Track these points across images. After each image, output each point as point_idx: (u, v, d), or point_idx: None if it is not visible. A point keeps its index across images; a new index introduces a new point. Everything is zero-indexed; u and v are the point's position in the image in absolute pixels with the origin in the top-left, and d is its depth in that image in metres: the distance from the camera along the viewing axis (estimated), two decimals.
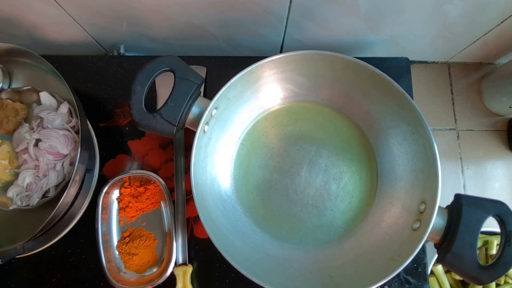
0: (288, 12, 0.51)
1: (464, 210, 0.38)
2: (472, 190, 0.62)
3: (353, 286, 0.40)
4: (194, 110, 0.42)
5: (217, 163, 0.48)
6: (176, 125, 0.41)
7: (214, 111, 0.43)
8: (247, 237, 0.46)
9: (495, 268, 0.37)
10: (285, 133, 0.50)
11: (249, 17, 0.53)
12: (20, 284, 0.50)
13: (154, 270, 0.49)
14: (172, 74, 0.42)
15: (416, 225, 0.41)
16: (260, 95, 0.49)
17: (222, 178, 0.48)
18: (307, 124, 0.50)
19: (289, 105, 0.51)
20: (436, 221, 0.39)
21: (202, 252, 0.51)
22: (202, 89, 0.55)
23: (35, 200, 0.45)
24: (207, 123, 0.43)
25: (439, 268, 0.54)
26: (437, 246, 0.40)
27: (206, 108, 0.41)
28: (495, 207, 0.38)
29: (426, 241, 0.39)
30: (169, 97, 0.41)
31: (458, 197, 0.40)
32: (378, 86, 0.44)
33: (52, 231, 0.50)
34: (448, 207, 0.41)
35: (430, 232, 0.38)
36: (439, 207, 0.39)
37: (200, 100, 0.43)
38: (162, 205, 0.51)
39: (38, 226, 0.42)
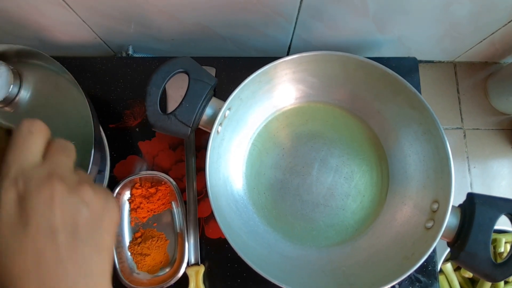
0: (298, 13, 0.51)
1: (477, 208, 0.39)
2: (479, 189, 0.63)
3: (367, 285, 0.40)
4: (208, 111, 0.42)
5: (230, 163, 0.48)
6: (191, 126, 0.41)
7: (227, 112, 0.43)
8: (260, 237, 0.46)
9: (509, 265, 0.38)
10: (296, 133, 0.50)
11: (258, 18, 0.53)
12: None
13: (167, 270, 0.49)
14: (182, 75, 0.42)
15: (429, 224, 0.41)
16: (272, 95, 0.49)
17: (235, 179, 0.49)
18: (318, 124, 0.50)
19: (300, 106, 0.51)
20: (449, 220, 0.39)
21: (213, 252, 0.51)
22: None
23: None
24: (220, 124, 0.43)
25: (448, 266, 0.55)
26: (450, 245, 0.41)
27: (220, 109, 0.42)
28: (508, 206, 0.39)
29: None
30: (183, 98, 0.41)
31: (470, 196, 0.40)
32: (390, 86, 0.45)
33: None
34: (460, 206, 0.41)
35: (443, 231, 0.39)
36: (452, 206, 0.40)
37: (214, 101, 0.43)
38: (174, 205, 0.51)
39: None
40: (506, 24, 0.55)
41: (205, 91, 0.41)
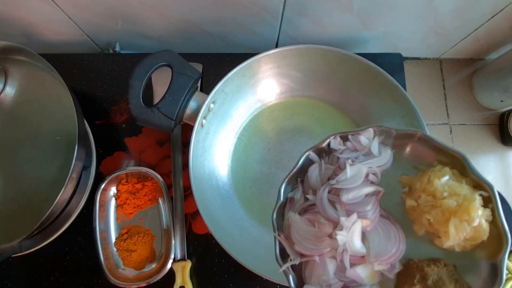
0: (283, 9, 0.52)
1: None
2: None
3: None
4: (192, 104, 0.43)
5: (215, 157, 0.48)
6: (174, 119, 0.41)
7: (211, 105, 0.44)
8: (245, 231, 0.46)
9: None
10: (281, 127, 0.51)
11: (244, 15, 0.54)
12: (18, 283, 0.49)
13: (153, 266, 0.49)
14: (169, 70, 0.42)
15: None
16: (257, 90, 0.49)
17: (220, 172, 0.49)
18: (303, 119, 0.51)
19: (285, 100, 0.51)
20: None
21: (201, 248, 0.51)
22: (198, 85, 0.55)
23: None
24: (204, 117, 0.43)
25: None
26: None
27: (203, 102, 0.42)
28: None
29: None
30: (166, 91, 0.41)
31: None
32: (373, 80, 0.45)
33: (49, 229, 0.50)
34: None
35: None
36: None
37: (198, 94, 0.43)
38: (160, 201, 0.51)
39: (35, 224, 0.42)
40: (489, 20, 0.55)
41: (188, 84, 0.41)
